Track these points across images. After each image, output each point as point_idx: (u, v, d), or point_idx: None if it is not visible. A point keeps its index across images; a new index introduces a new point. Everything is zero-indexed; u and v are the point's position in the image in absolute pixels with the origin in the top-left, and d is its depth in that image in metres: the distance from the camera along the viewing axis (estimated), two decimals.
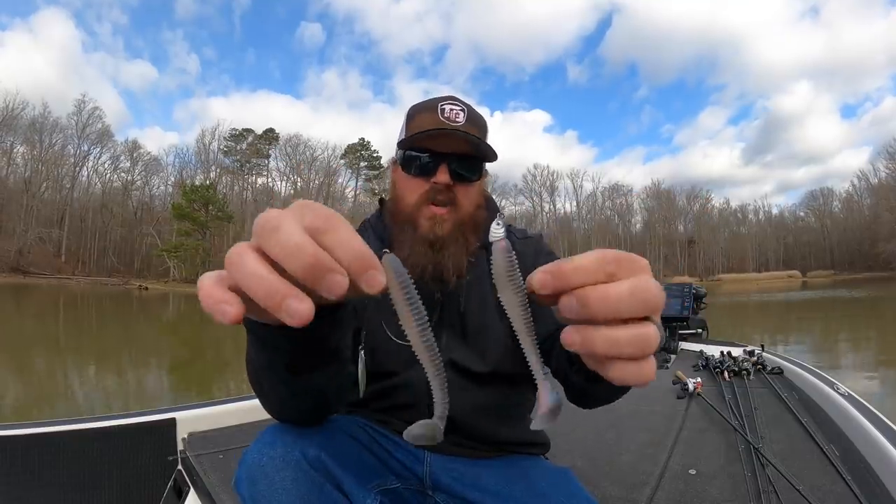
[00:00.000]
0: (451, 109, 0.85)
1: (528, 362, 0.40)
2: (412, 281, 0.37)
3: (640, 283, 0.34)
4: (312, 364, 0.54)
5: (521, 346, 0.39)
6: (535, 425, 0.43)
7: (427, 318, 0.38)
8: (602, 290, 0.34)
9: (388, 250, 0.37)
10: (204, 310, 0.33)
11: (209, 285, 0.33)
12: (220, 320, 0.32)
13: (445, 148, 0.85)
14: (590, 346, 0.35)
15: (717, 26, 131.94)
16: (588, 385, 0.61)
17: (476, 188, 0.90)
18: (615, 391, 0.64)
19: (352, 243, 0.33)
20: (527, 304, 0.38)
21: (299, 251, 0.31)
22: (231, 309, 0.32)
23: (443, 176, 0.84)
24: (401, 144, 0.88)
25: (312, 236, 0.32)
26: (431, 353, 0.39)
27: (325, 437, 0.74)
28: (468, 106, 0.88)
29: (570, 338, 0.36)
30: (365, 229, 0.97)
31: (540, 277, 0.35)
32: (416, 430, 0.44)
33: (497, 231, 0.39)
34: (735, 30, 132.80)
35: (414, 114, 0.89)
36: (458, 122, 0.85)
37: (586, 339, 0.35)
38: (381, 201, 1.00)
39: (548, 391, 0.41)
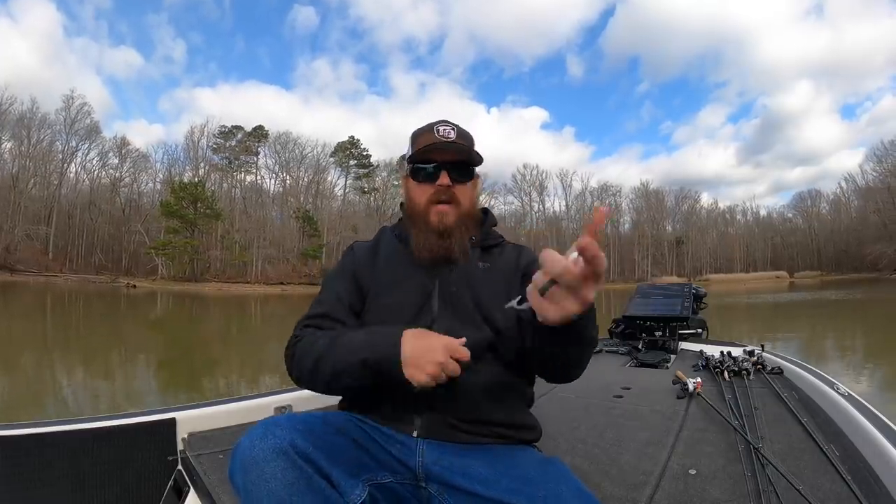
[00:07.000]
0: (444, 129, 1.09)
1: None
2: None
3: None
4: None
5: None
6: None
7: None
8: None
9: None
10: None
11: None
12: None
13: (443, 158, 1.08)
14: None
15: (723, 21, 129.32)
16: (551, 343, 0.85)
17: (470, 188, 1.12)
18: (580, 347, 0.89)
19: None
20: None
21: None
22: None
23: (444, 179, 1.07)
24: (409, 160, 1.11)
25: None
26: None
27: (315, 432, 0.80)
28: (457, 126, 1.12)
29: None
30: (383, 233, 1.19)
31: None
32: None
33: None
34: (740, 25, 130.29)
35: (416, 136, 1.12)
36: (450, 138, 1.08)
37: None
38: (403, 206, 1.19)
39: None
